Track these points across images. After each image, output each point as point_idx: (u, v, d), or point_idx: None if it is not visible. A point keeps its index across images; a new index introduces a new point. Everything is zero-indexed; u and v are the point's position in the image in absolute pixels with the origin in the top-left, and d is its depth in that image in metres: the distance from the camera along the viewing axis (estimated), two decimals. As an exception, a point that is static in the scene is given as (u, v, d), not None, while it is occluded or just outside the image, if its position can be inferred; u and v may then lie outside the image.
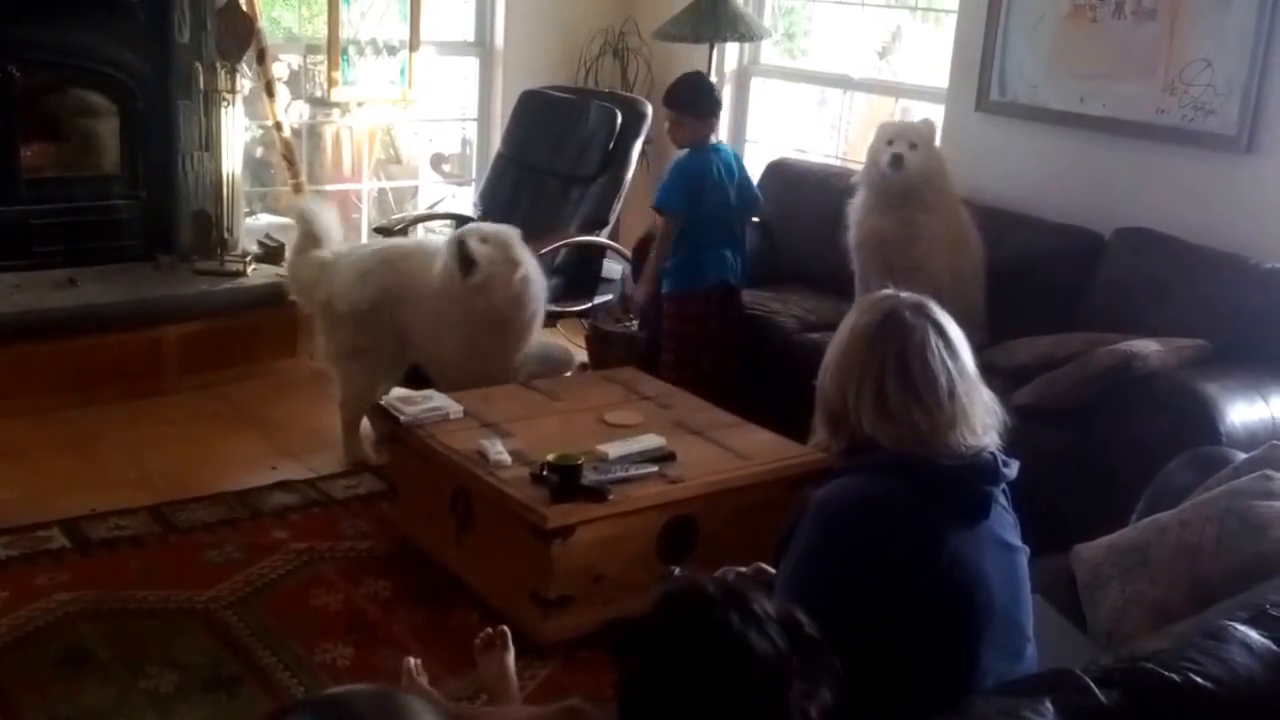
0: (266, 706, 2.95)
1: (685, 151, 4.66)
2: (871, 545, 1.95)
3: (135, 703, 2.98)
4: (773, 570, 2.30)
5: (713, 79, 5.15)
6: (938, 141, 4.51)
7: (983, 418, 2.04)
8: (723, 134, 6.18)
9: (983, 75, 4.87)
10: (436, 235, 4.42)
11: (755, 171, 5.68)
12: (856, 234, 4.39)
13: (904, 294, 2.09)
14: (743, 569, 2.38)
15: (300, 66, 5.97)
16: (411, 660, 2.26)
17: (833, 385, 2.07)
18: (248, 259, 5.38)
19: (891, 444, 1.99)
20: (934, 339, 2.01)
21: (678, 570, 2.44)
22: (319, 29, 5.95)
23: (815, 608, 1.92)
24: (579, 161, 5.56)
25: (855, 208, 4.41)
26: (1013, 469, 2.06)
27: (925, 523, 1.96)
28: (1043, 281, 4.34)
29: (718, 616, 1.56)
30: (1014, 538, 2.08)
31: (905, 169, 4.25)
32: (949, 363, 2.01)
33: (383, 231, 5.48)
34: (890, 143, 4.30)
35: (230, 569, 3.62)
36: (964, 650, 1.96)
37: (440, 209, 6.36)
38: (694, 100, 4.63)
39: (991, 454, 2.03)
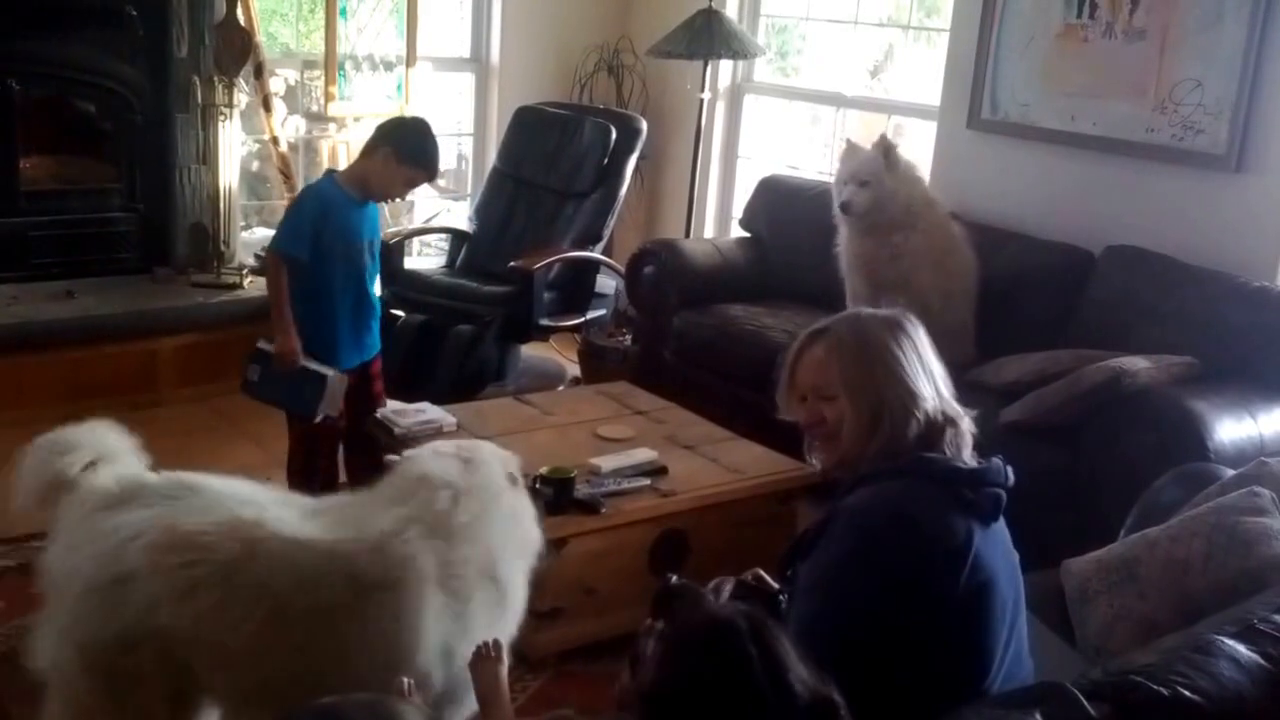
0: (260, 717, 2.96)
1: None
2: (908, 554, 1.97)
3: (129, 713, 2.98)
4: (772, 581, 2.31)
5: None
6: (927, 163, 4.51)
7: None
8: (715, 149, 6.25)
9: (974, 93, 4.91)
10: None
11: (748, 188, 5.73)
12: (844, 257, 4.43)
13: (881, 310, 2.20)
14: (743, 577, 2.40)
15: (297, 81, 6.00)
16: (405, 680, 2.27)
17: (895, 393, 2.09)
18: (244, 272, 5.41)
19: (939, 444, 2.05)
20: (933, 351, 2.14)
21: (674, 579, 2.46)
22: (316, 44, 5.98)
23: (847, 616, 1.95)
24: (573, 177, 5.59)
25: (840, 237, 4.45)
26: (1011, 476, 2.10)
27: (954, 526, 1.98)
28: (1033, 299, 4.36)
29: (763, 679, 1.57)
30: (1011, 543, 2.13)
31: (856, 210, 4.25)
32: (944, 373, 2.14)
33: (378, 245, 5.50)
34: (845, 183, 4.30)
35: (224, 580, 3.62)
36: (982, 649, 1.99)
37: (435, 223, 6.39)
38: None
39: (1000, 459, 2.08)
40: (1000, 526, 2.07)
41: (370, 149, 3.92)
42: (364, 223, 3.94)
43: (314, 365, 3.85)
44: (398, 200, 4.53)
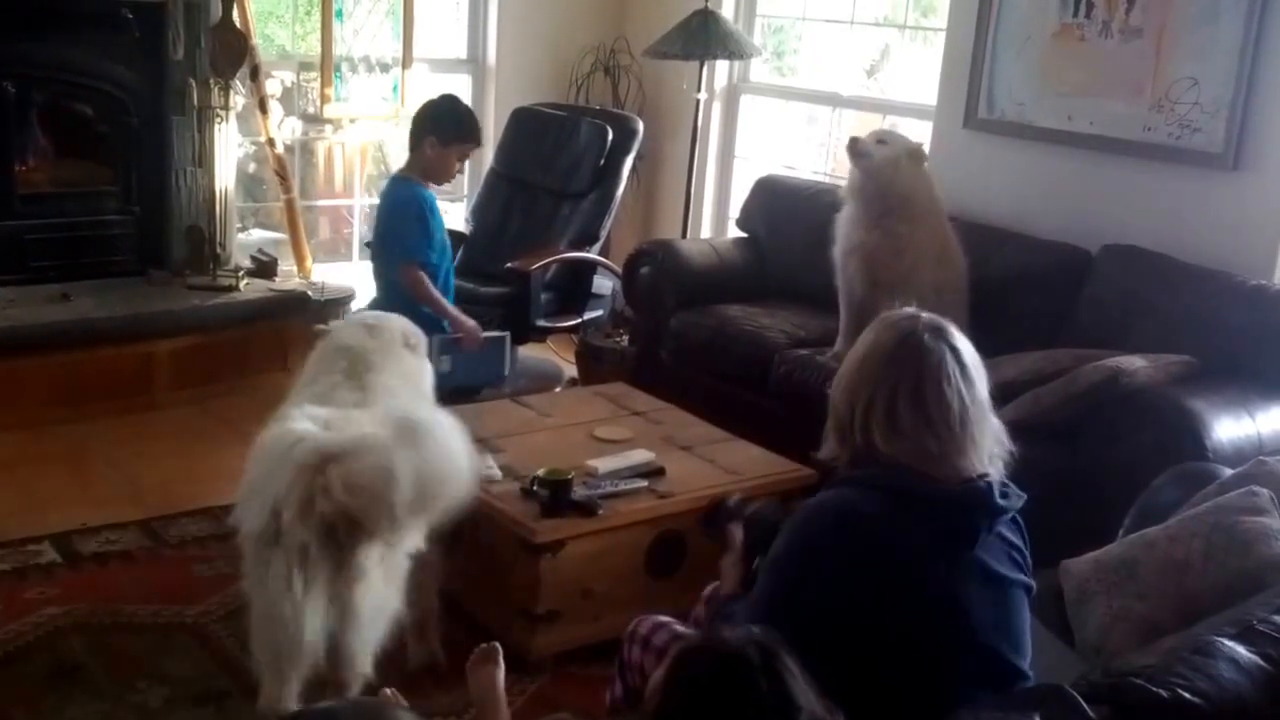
0: (256, 721, 2.95)
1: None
2: (841, 558, 1.96)
3: (125, 717, 2.98)
4: None
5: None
6: (926, 162, 4.51)
7: (990, 447, 2.05)
8: (712, 150, 6.24)
9: (971, 93, 4.90)
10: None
11: (744, 188, 5.72)
12: (843, 245, 4.40)
13: (925, 315, 2.08)
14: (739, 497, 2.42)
15: (293, 83, 6.00)
16: (387, 690, 2.27)
17: (843, 399, 2.07)
18: (240, 274, 5.40)
19: (900, 460, 2.00)
20: (951, 364, 2.02)
21: (734, 500, 2.50)
22: (312, 46, 5.98)
23: (782, 608, 1.96)
24: (570, 178, 5.58)
25: (841, 220, 4.43)
26: (1013, 500, 2.04)
27: (901, 545, 1.95)
28: (1030, 298, 4.35)
29: (772, 714, 1.56)
30: (1009, 570, 2.05)
31: (862, 149, 4.26)
32: (963, 389, 2.02)
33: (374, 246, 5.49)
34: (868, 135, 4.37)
35: (220, 583, 3.60)
36: (933, 677, 1.95)
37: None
38: None
39: (986, 484, 2.01)
40: (980, 555, 1.99)
41: (415, 143, 4.23)
42: (440, 215, 4.31)
43: (490, 334, 4.35)
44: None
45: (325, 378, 3.01)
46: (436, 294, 4.20)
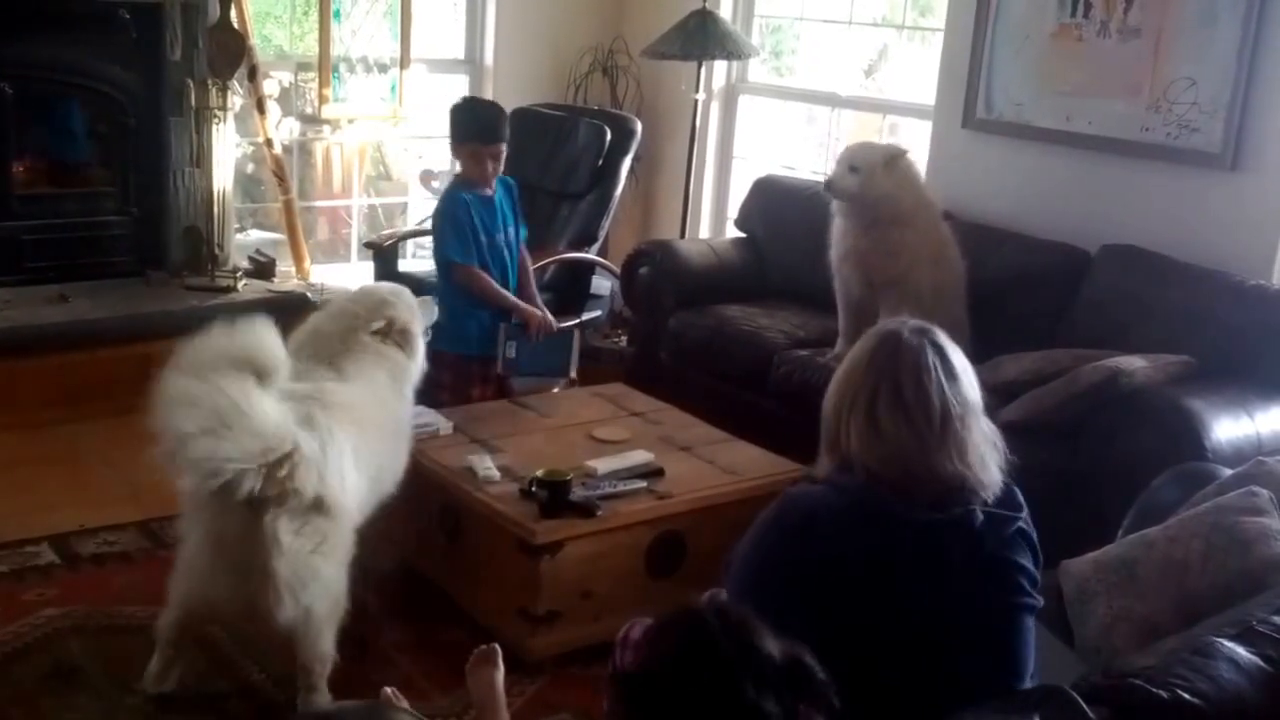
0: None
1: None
2: (808, 558, 1.97)
3: (123, 718, 2.97)
4: None
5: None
6: (922, 163, 4.51)
7: (979, 447, 2.02)
8: (710, 150, 6.24)
9: (969, 93, 4.90)
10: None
11: (743, 188, 5.72)
12: (837, 251, 4.41)
13: (912, 320, 2.08)
14: None
15: (291, 83, 6.00)
16: (387, 689, 2.27)
17: (831, 407, 2.07)
18: (238, 274, 5.40)
19: (878, 466, 1.99)
20: (932, 359, 2.01)
21: None
22: (310, 46, 5.97)
23: (739, 572, 2.04)
24: (569, 178, 5.58)
25: (834, 229, 4.44)
26: (1002, 525, 2.01)
27: (867, 560, 1.95)
28: (1029, 298, 4.36)
29: (735, 683, 1.57)
30: (1003, 590, 2.03)
31: (835, 190, 4.27)
32: (945, 385, 2.00)
33: (373, 247, 5.49)
34: (839, 164, 4.33)
35: (219, 585, 3.61)
36: (899, 688, 1.95)
37: (429, 225, 6.37)
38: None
39: (965, 510, 1.98)
40: (961, 578, 1.97)
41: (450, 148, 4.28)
42: (494, 217, 4.25)
43: (562, 325, 4.36)
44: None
45: (299, 359, 3.13)
46: (493, 288, 4.21)
